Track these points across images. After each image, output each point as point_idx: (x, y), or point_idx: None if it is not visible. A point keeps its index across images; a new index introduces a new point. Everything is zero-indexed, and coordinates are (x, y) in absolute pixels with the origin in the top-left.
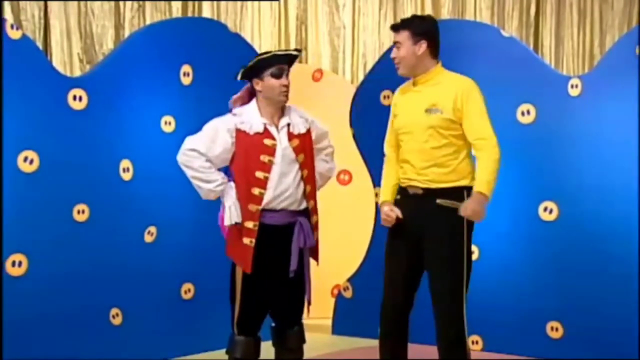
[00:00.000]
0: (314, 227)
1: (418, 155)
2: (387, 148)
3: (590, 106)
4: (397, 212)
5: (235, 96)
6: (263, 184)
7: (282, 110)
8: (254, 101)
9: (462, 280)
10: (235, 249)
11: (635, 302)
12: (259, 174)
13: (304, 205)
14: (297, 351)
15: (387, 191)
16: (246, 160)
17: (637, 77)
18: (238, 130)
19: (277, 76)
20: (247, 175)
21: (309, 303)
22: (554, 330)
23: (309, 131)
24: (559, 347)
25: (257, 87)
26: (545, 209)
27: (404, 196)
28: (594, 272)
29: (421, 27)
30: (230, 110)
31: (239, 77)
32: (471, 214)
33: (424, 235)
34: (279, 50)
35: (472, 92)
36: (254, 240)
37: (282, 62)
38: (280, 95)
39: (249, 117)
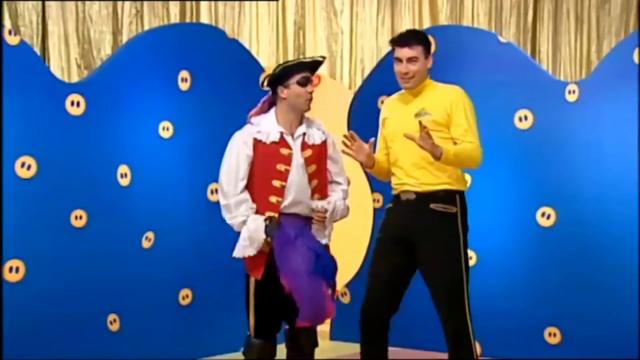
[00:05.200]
0: None
1: (409, 157)
2: (378, 153)
3: (588, 112)
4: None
5: (253, 110)
6: (280, 192)
7: (300, 120)
8: (272, 110)
9: (462, 281)
10: (248, 257)
11: (634, 308)
12: (276, 183)
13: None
14: (309, 354)
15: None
16: (263, 169)
17: (635, 83)
18: (255, 140)
19: (303, 84)
20: (265, 184)
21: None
22: (552, 335)
23: (324, 143)
24: (557, 353)
25: (282, 95)
26: (543, 215)
27: (397, 203)
28: (592, 278)
29: (428, 42)
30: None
31: (264, 85)
32: (425, 145)
33: (418, 241)
34: (305, 58)
35: (462, 100)
36: (268, 248)
37: (308, 69)
38: (305, 104)
39: (266, 126)
